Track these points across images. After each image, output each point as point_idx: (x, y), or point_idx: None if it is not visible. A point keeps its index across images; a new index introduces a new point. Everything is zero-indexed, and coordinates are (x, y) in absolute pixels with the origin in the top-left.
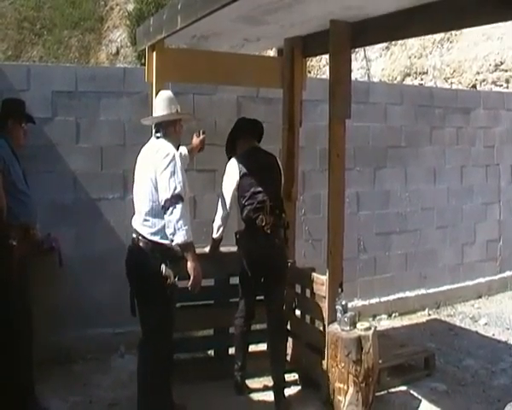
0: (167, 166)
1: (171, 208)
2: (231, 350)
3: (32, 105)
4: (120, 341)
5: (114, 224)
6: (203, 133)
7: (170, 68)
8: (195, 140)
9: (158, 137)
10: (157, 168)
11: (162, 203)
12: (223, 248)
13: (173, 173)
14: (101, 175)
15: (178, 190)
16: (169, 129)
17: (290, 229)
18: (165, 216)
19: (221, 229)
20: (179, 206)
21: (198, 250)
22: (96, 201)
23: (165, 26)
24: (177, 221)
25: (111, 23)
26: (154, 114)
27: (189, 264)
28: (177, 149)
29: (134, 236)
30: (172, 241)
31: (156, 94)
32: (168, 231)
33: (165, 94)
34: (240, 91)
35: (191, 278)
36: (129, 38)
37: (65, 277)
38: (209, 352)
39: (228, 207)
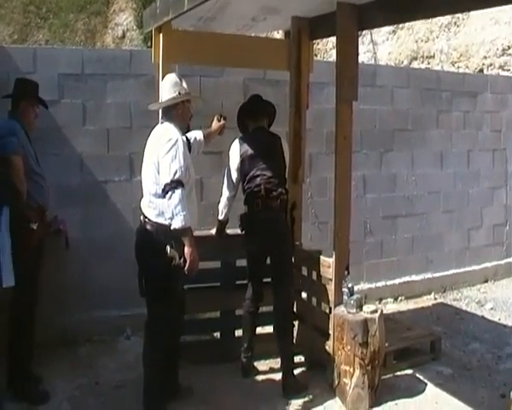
0: (169, 150)
1: (170, 193)
2: (237, 332)
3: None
4: (127, 323)
5: (121, 206)
6: (224, 119)
7: (176, 50)
8: (215, 124)
9: (162, 122)
10: (159, 152)
11: (162, 187)
12: (229, 231)
13: (174, 158)
14: (108, 157)
15: (178, 174)
16: (171, 113)
17: (297, 211)
18: (165, 200)
19: (225, 211)
20: (178, 191)
21: (205, 232)
22: (103, 183)
23: (171, 7)
24: (176, 206)
25: (117, 6)
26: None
27: (186, 249)
28: (187, 131)
29: (141, 218)
30: (171, 225)
31: (163, 76)
32: (166, 216)
33: (169, 78)
34: (247, 73)
35: (187, 262)
36: (135, 22)
37: (71, 259)
38: (215, 334)
39: (232, 188)
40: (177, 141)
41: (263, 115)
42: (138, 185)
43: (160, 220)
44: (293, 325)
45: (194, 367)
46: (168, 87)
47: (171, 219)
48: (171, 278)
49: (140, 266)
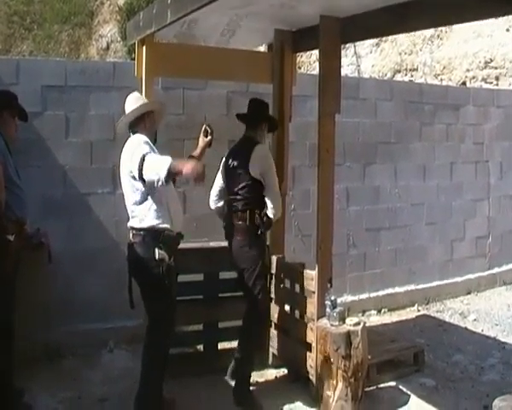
0: (137, 153)
1: (143, 162)
2: (220, 345)
3: (21, 99)
4: (110, 336)
5: (104, 218)
6: (211, 134)
7: (159, 63)
8: (201, 142)
9: (130, 135)
10: (132, 159)
11: (137, 173)
12: (212, 243)
13: (142, 152)
14: (91, 170)
15: (146, 151)
16: (139, 125)
17: (280, 224)
18: (143, 204)
19: (212, 203)
20: (149, 155)
21: (188, 245)
22: (86, 195)
23: (155, 20)
24: (153, 162)
25: (101, 18)
26: None
27: (184, 171)
28: (154, 142)
29: (129, 233)
30: (162, 183)
31: (146, 89)
32: (154, 178)
33: (131, 95)
34: (230, 86)
35: (191, 174)
36: (119, 33)
37: (54, 272)
38: (198, 347)
39: (217, 190)
40: (147, 141)
41: (253, 123)
42: (121, 198)
43: (144, 225)
44: (262, 324)
45: (178, 380)
46: (132, 102)
47: (158, 175)
48: (164, 285)
49: (135, 278)
